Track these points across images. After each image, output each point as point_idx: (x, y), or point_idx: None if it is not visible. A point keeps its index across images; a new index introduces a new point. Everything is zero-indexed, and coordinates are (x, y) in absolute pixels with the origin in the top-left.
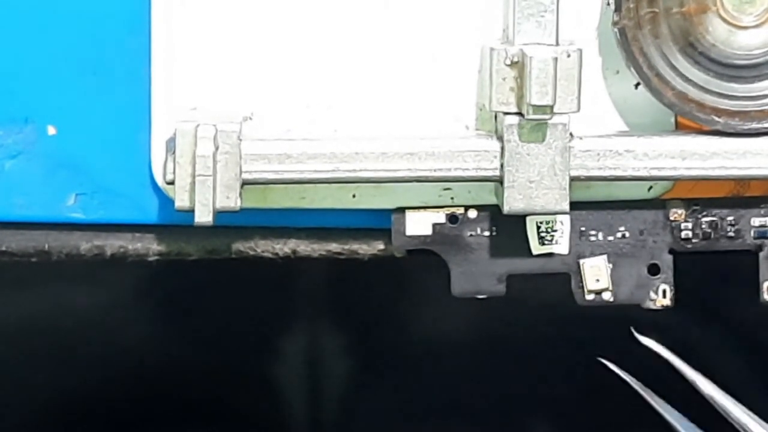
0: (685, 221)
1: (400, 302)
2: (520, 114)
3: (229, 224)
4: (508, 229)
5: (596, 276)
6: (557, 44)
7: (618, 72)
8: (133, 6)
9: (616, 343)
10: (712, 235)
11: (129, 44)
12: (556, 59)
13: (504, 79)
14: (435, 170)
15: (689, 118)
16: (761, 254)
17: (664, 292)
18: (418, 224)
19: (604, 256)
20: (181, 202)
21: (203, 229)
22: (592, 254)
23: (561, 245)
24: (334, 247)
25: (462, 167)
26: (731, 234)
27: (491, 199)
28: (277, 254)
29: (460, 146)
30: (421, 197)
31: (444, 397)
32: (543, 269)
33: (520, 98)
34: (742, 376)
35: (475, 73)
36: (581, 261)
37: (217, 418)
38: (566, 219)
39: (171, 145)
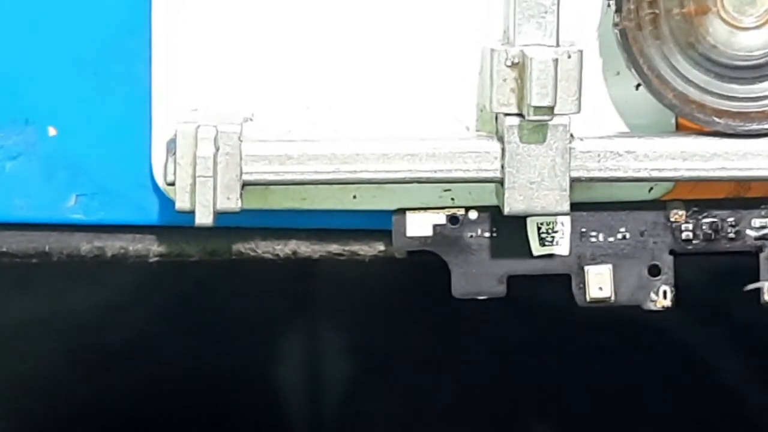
0: (686, 222)
1: (401, 303)
2: (520, 115)
3: (229, 225)
4: (508, 230)
5: (600, 284)
6: (558, 45)
7: (618, 73)
8: (133, 7)
9: (617, 343)
10: (713, 237)
11: (129, 45)
12: (556, 60)
13: (504, 80)
14: (435, 171)
15: (690, 119)
16: (762, 255)
17: (665, 293)
18: (419, 225)
19: (609, 265)
20: (182, 203)
21: (204, 230)
22: (593, 255)
23: (561, 246)
24: (334, 248)
25: (462, 168)
26: (732, 235)
27: (492, 200)
28: (277, 255)
29: (461, 147)
30: (422, 198)
31: (444, 399)
32: (543, 270)
33: (520, 99)
34: (743, 376)
35: (475, 74)
36: (586, 268)
37: (218, 419)
38: (567, 220)
39: (171, 146)
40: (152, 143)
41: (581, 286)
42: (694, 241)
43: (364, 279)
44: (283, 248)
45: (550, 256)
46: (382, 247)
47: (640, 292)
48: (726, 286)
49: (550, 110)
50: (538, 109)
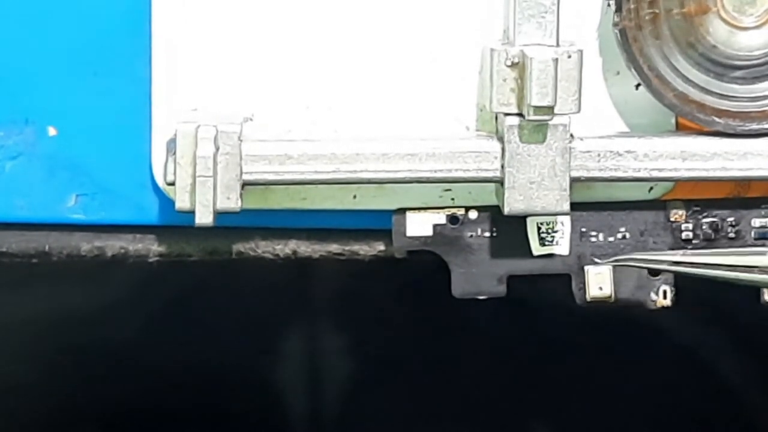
0: (686, 222)
1: (400, 303)
2: (520, 115)
3: (229, 225)
4: (508, 230)
5: (600, 284)
6: (558, 45)
7: (618, 73)
8: (133, 6)
9: (616, 343)
10: (713, 236)
11: (129, 45)
12: (556, 60)
13: (504, 80)
14: (436, 171)
15: (690, 119)
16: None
17: (665, 293)
18: (419, 225)
19: (609, 266)
20: (182, 203)
21: (204, 230)
22: (593, 255)
23: (561, 246)
24: (334, 248)
25: (462, 168)
26: (732, 235)
27: (492, 200)
28: (277, 255)
29: (461, 147)
30: (422, 198)
31: (444, 398)
32: (543, 270)
33: (520, 99)
34: (742, 376)
35: (475, 74)
36: (586, 267)
37: (217, 419)
38: (567, 220)
39: (171, 146)
40: (152, 143)
41: (581, 285)
42: (694, 241)
43: (364, 279)
44: (283, 248)
45: (550, 255)
46: (382, 247)
47: (640, 292)
48: (726, 286)
49: (550, 110)
50: (538, 109)
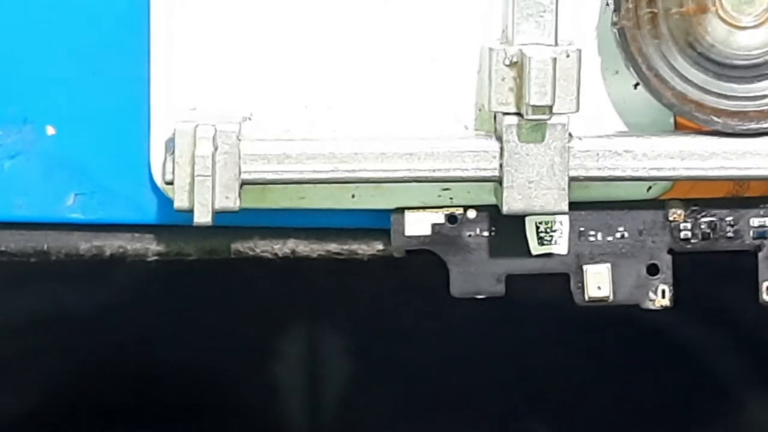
0: (684, 221)
1: (399, 302)
2: (519, 114)
3: (228, 224)
4: (507, 230)
5: (598, 283)
6: (556, 44)
7: (617, 72)
8: (132, 6)
9: (615, 342)
10: (711, 236)
11: (128, 44)
12: (555, 59)
13: (503, 79)
14: (434, 170)
15: (688, 119)
16: (760, 254)
17: (663, 292)
18: (417, 224)
19: (608, 265)
20: (181, 202)
21: (202, 229)
22: (591, 254)
23: (560, 245)
24: (333, 247)
25: (461, 167)
26: (730, 234)
27: (490, 200)
28: (276, 254)
29: (460, 146)
30: (421, 197)
31: (444, 398)
32: (542, 269)
33: (519, 98)
34: (741, 376)
35: (474, 74)
36: (585, 267)
37: (217, 418)
38: (565, 219)
39: (170, 146)
40: (151, 142)
41: (580, 285)
42: (692, 241)
43: (363, 278)
44: (282, 247)
45: (549, 255)
46: (380, 247)
47: (639, 292)
48: (725, 285)
49: (548, 109)
50: (536, 108)
